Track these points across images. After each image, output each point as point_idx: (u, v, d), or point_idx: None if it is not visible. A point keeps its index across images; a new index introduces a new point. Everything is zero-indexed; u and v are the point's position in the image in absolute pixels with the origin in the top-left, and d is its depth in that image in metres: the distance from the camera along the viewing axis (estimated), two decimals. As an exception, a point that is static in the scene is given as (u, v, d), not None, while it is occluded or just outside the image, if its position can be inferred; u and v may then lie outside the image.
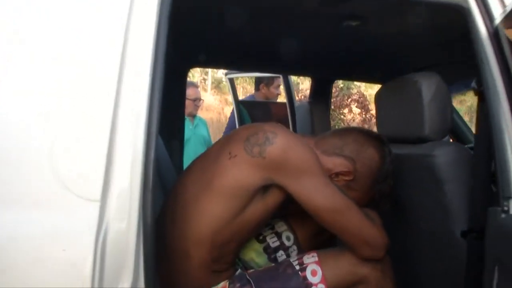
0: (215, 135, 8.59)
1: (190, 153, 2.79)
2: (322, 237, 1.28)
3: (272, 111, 3.13)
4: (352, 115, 8.16)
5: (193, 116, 3.07)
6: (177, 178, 1.60)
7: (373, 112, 8.08)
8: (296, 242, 1.24)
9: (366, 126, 7.86)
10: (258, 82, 3.10)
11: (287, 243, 1.22)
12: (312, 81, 2.26)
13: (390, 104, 1.28)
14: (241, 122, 2.94)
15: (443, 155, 1.03)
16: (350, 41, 1.40)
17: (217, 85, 13.38)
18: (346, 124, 8.04)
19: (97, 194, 0.72)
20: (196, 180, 1.02)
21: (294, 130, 2.32)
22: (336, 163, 1.09)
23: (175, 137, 1.90)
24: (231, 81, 3.08)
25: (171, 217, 1.05)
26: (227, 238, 1.00)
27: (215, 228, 0.98)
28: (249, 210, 1.00)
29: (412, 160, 1.15)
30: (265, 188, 1.00)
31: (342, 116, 7.92)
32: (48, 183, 0.71)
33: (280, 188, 1.01)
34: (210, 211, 0.98)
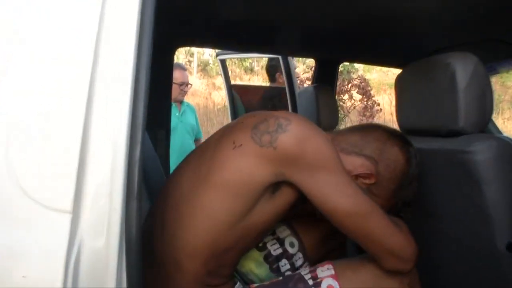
0: (202, 123, 8.71)
1: (177, 143, 2.83)
2: (331, 243, 1.25)
3: (269, 96, 3.12)
4: (352, 102, 8.16)
5: (180, 102, 3.03)
6: (165, 176, 1.58)
7: (376, 98, 8.12)
8: (301, 249, 1.21)
9: (367, 114, 7.88)
10: (272, 71, 3.02)
11: (291, 251, 1.20)
12: (316, 63, 2.24)
13: (414, 91, 1.22)
14: (234, 109, 2.90)
15: (483, 151, 0.97)
16: (362, 14, 1.34)
17: (203, 67, 13.33)
18: (346, 112, 8.04)
19: (68, 204, 0.65)
20: (191, 175, 0.98)
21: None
22: (356, 163, 1.05)
23: (161, 126, 1.88)
24: (223, 63, 3.06)
25: (161, 221, 0.99)
26: (227, 246, 0.96)
27: (214, 233, 0.94)
28: (255, 212, 0.96)
29: (442, 157, 1.09)
30: (274, 186, 0.96)
31: (341, 103, 7.91)
32: (4, 190, 0.62)
33: (293, 186, 0.96)
34: (208, 212, 0.94)
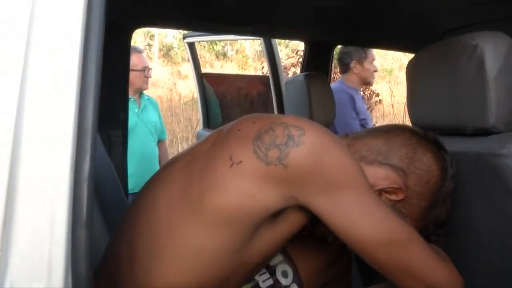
0: (166, 120, 8.67)
1: (136, 147, 2.84)
2: (333, 271, 1.24)
3: (248, 87, 3.14)
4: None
5: (140, 94, 3.02)
6: (122, 188, 1.54)
7: (374, 87, 8.20)
8: (297, 279, 1.19)
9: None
10: (344, 60, 2.96)
11: (283, 282, 1.19)
12: (306, 47, 2.24)
13: (430, 80, 1.21)
14: (206, 103, 2.92)
15: (518, 154, 0.95)
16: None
17: (166, 52, 13.27)
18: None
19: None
20: (175, 198, 0.95)
21: (281, 112, 2.32)
22: (379, 175, 1.04)
23: (116, 126, 1.90)
24: (191, 46, 3.05)
25: (129, 253, 0.96)
26: (215, 285, 0.94)
27: (200, 273, 0.92)
28: (253, 245, 0.95)
29: (467, 161, 1.07)
30: (278, 212, 0.94)
31: (333, 94, 7.99)
32: None
33: (301, 210, 0.95)
34: (195, 248, 0.91)
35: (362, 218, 0.89)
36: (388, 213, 0.91)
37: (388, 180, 1.03)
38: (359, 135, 1.10)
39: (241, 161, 0.91)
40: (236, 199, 0.90)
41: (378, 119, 9.19)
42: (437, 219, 1.08)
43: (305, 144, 0.90)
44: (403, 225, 0.92)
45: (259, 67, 9.57)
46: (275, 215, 0.94)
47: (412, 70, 1.28)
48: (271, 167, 0.90)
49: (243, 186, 0.90)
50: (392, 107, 9.46)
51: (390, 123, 9.39)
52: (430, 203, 1.05)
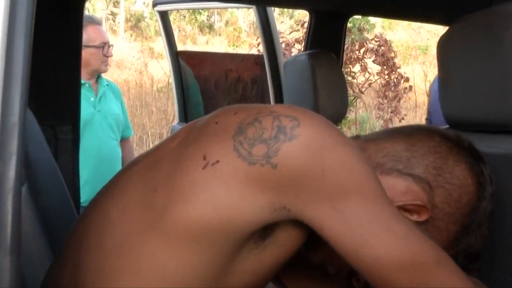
0: (133, 112, 8.69)
1: (92, 145, 2.84)
2: None
3: (239, 69, 3.15)
4: (366, 77, 8.25)
5: (97, 78, 3.03)
6: (71, 201, 1.54)
7: (403, 70, 8.24)
8: None
9: (390, 95, 7.99)
10: None
11: None
12: (311, 18, 2.25)
13: (468, 61, 1.22)
14: (182, 90, 2.93)
15: None
16: None
17: (135, 23, 13.28)
18: (356, 91, 8.12)
19: None
20: (129, 211, 0.95)
21: (279, 102, 2.31)
22: (399, 188, 1.04)
23: (64, 120, 1.88)
24: (164, 16, 3.04)
25: (74, 279, 0.97)
26: None
27: None
28: (233, 272, 0.95)
29: None
30: (266, 229, 0.94)
31: (349, 78, 8.00)
32: None
33: (296, 226, 0.95)
34: (158, 273, 0.91)
35: (376, 234, 0.89)
36: (410, 228, 0.91)
37: (410, 195, 1.03)
38: (374, 137, 1.11)
39: (217, 161, 0.91)
40: (211, 211, 0.89)
41: (408, 112, 9.25)
42: (470, 249, 1.08)
43: (300, 137, 0.90)
44: (430, 244, 0.92)
45: (255, 43, 9.57)
46: (263, 233, 0.95)
47: (444, 49, 1.29)
48: (256, 167, 0.90)
49: (219, 193, 0.90)
50: (427, 95, 9.49)
51: (423, 116, 9.42)
52: (461, 228, 1.06)
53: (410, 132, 1.11)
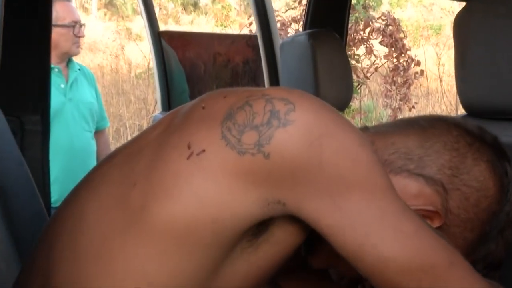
0: (109, 101, 8.67)
1: (64, 138, 2.85)
2: None
3: (230, 52, 3.16)
4: (372, 60, 8.26)
5: (67, 62, 3.02)
6: (41, 199, 1.54)
7: (413, 53, 8.25)
8: None
9: (399, 80, 8.01)
10: None
11: None
12: None
13: (489, 40, 1.22)
14: (165, 76, 2.93)
15: None
16: None
17: (109, 1, 13.21)
18: (361, 76, 8.13)
19: None
20: (106, 209, 0.95)
21: (276, 84, 2.30)
22: (409, 191, 1.04)
23: (32, 110, 1.88)
24: None
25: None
26: None
27: None
28: (224, 274, 0.95)
29: None
30: (259, 226, 0.95)
31: (353, 62, 8.01)
32: None
33: (295, 221, 0.95)
34: (138, 277, 0.92)
35: (381, 232, 0.90)
36: (420, 226, 0.92)
37: (421, 199, 1.04)
38: (383, 129, 1.11)
39: (203, 151, 0.91)
40: (196, 207, 0.90)
41: (419, 100, 9.27)
42: (490, 257, 1.08)
43: (295, 123, 0.90)
44: (442, 244, 0.92)
45: (246, 23, 9.57)
46: (256, 231, 0.95)
47: (461, 27, 1.29)
48: (246, 157, 0.90)
49: (206, 187, 0.90)
50: (440, 81, 9.54)
51: (436, 104, 9.45)
52: (480, 235, 1.06)
53: (424, 125, 1.11)
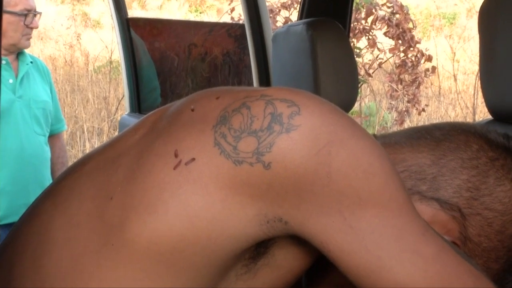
0: (64, 100, 8.63)
1: (10, 144, 2.81)
2: None
3: (208, 43, 3.16)
4: (376, 54, 8.28)
5: (18, 54, 3.01)
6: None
7: (422, 46, 8.28)
8: None
9: (408, 79, 8.04)
10: None
11: None
12: None
13: None
14: (135, 72, 2.93)
15: None
16: None
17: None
18: (363, 73, 8.14)
19: None
20: (77, 226, 0.96)
21: (266, 85, 2.31)
22: (423, 217, 1.03)
23: None
24: None
25: None
26: None
27: None
28: None
29: None
30: (258, 248, 0.95)
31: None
32: None
33: (298, 243, 0.96)
34: None
35: (398, 255, 0.90)
36: (443, 249, 0.92)
37: (435, 227, 1.03)
38: (392, 141, 1.12)
39: (193, 159, 0.92)
40: (184, 225, 0.90)
41: (430, 101, 9.31)
42: None
43: (300, 128, 0.90)
44: (468, 270, 0.93)
45: (226, 9, 9.56)
46: (253, 254, 0.96)
47: (487, 19, 1.30)
48: (243, 167, 0.90)
49: (195, 201, 0.90)
50: (455, 79, 9.58)
51: (450, 107, 9.47)
52: (507, 265, 1.07)
53: (439, 137, 1.11)
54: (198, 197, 0.90)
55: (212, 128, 0.93)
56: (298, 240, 0.95)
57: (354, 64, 2.01)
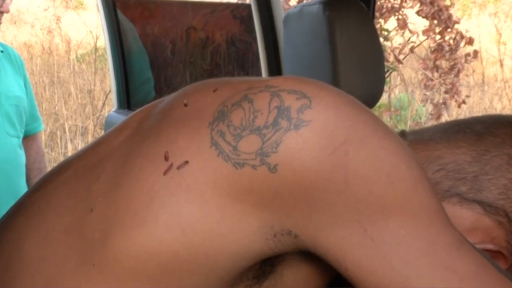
0: (40, 94, 8.66)
1: None
2: None
3: (209, 27, 3.20)
4: (407, 37, 8.29)
5: None
6: None
7: (462, 27, 8.27)
8: None
9: (445, 66, 8.03)
10: None
11: None
12: None
13: None
14: (123, 61, 2.95)
15: None
16: None
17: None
18: (392, 59, 8.15)
19: None
20: (54, 241, 0.97)
21: (277, 74, 2.32)
22: (462, 223, 1.07)
23: None
24: None
25: None
26: None
27: None
28: None
29: None
30: (264, 266, 0.97)
31: (380, 40, 8.02)
32: None
33: (310, 259, 0.97)
34: None
35: (429, 273, 0.90)
36: (482, 266, 0.92)
37: (477, 235, 1.05)
38: (426, 137, 1.13)
39: (186, 162, 0.92)
40: (177, 239, 0.90)
41: (472, 92, 9.30)
42: None
43: (312, 124, 0.90)
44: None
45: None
46: (258, 273, 0.97)
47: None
48: (245, 171, 0.90)
49: (189, 212, 0.90)
50: (501, 65, 9.58)
51: (496, 98, 9.46)
52: None
53: (480, 131, 1.11)
54: (193, 207, 0.90)
55: (208, 125, 0.93)
56: (310, 257, 0.95)
57: (380, 50, 2.00)
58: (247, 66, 3.05)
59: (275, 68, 2.40)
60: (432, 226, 0.91)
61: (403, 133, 1.15)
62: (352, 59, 1.93)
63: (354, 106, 0.94)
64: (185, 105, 0.98)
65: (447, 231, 0.92)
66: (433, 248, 0.90)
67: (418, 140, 1.12)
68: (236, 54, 3.21)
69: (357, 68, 1.94)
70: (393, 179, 0.91)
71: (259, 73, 2.52)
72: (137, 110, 1.08)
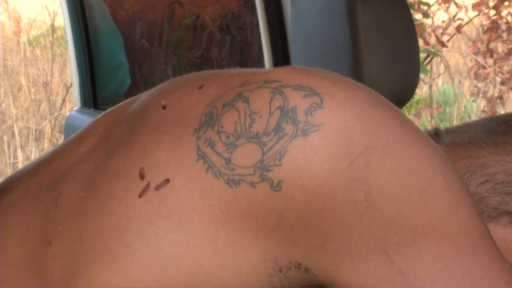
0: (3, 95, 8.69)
1: None
2: None
3: (188, 1, 3.21)
4: (452, 14, 8.29)
5: None
6: None
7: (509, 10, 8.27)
8: None
9: (500, 50, 8.01)
10: None
11: None
12: None
13: None
14: (88, 45, 2.96)
15: None
16: None
17: None
18: (431, 44, 8.15)
19: None
20: (4, 283, 0.99)
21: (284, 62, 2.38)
22: None
23: None
24: None
25: None
26: None
27: None
28: None
29: None
30: None
31: (418, 17, 8.02)
32: None
33: None
34: None
35: None
36: None
37: None
38: (466, 139, 1.14)
39: (166, 181, 0.93)
40: (156, 280, 0.92)
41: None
42: None
43: (324, 129, 0.91)
44: None
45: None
46: None
47: None
48: (241, 190, 0.91)
49: (172, 243, 0.92)
50: None
51: None
52: None
53: None
54: (176, 238, 0.92)
55: (193, 132, 0.94)
56: None
57: (413, 31, 2.02)
58: (247, 55, 3.06)
59: (281, 56, 2.40)
60: (476, 256, 0.92)
61: (436, 133, 1.16)
62: (378, 43, 1.95)
63: (377, 104, 0.95)
64: (164, 107, 0.99)
65: (494, 262, 0.93)
66: (477, 283, 0.90)
67: (457, 144, 1.13)
68: (232, 38, 3.22)
69: (384, 54, 1.95)
70: (426, 196, 0.91)
71: (261, 63, 2.53)
72: (103, 113, 1.09)
